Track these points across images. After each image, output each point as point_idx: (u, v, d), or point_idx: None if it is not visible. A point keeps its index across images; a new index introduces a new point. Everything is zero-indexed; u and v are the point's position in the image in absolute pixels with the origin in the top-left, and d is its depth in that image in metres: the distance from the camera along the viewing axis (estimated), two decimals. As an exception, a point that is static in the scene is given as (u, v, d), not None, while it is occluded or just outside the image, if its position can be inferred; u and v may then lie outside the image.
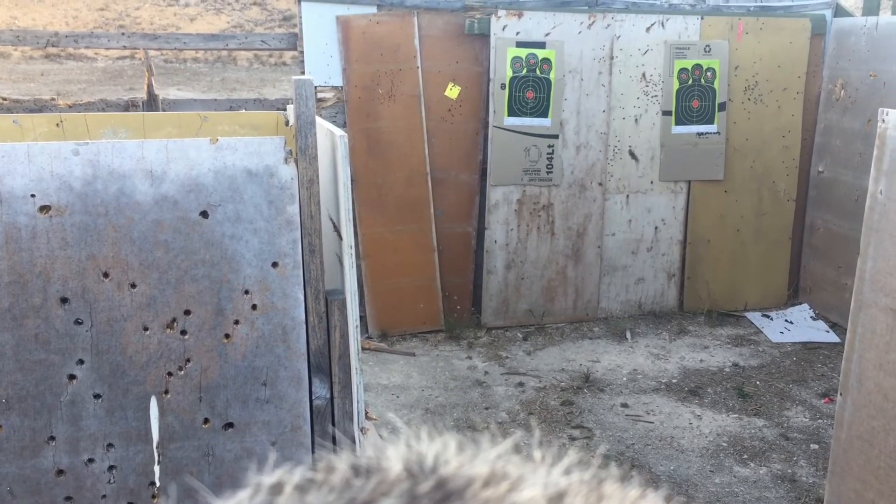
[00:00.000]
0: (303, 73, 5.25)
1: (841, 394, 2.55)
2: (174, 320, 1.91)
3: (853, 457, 2.47)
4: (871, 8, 6.02)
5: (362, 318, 5.68)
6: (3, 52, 15.48)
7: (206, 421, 1.95)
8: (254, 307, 1.93)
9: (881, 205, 2.36)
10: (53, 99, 4.63)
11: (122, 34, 4.89)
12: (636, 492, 0.29)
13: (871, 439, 2.39)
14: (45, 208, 1.82)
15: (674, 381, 5.14)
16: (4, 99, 4.55)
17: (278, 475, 0.29)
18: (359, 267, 5.57)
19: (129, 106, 4.75)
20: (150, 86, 4.83)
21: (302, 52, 5.30)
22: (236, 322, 1.92)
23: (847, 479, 2.49)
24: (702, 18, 5.76)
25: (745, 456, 4.31)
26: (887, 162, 2.35)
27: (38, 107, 4.58)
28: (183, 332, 1.91)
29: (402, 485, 0.26)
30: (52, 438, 1.89)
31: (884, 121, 2.38)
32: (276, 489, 0.28)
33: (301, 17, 5.28)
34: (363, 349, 5.49)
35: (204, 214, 1.89)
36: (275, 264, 1.93)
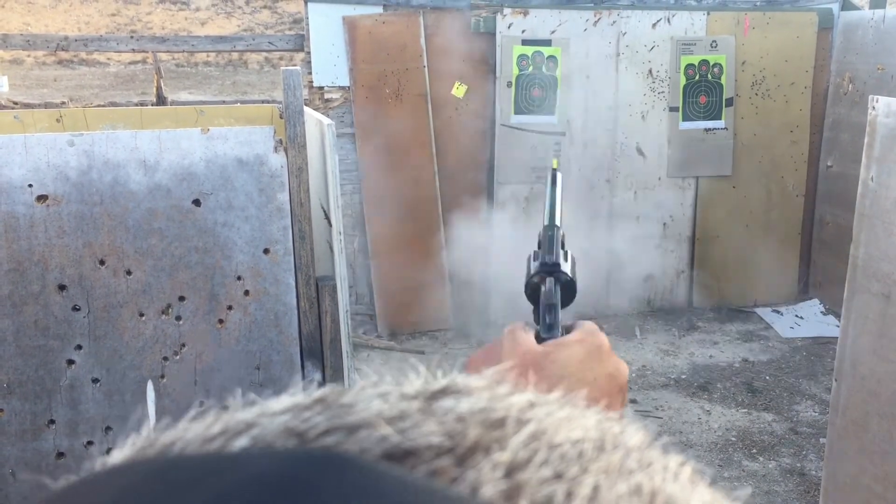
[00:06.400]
0: (310, 73, 5.31)
1: (836, 379, 2.56)
2: (169, 306, 1.96)
3: (849, 442, 2.47)
4: (878, 1, 5.99)
5: (372, 317, 5.71)
6: (17, 59, 15.67)
7: (201, 404, 2.00)
8: (246, 293, 1.98)
9: (872, 191, 2.37)
10: (64, 103, 4.72)
11: (132, 37, 4.96)
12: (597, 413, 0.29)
13: (866, 424, 2.39)
14: (42, 198, 1.87)
15: (683, 376, 5.13)
16: (16, 103, 4.64)
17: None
18: (368, 267, 5.61)
19: (141, 109, 4.83)
20: (159, 88, 4.90)
21: (309, 53, 5.35)
22: (229, 307, 1.97)
23: (843, 464, 2.49)
24: (708, 14, 5.76)
25: (755, 450, 4.30)
26: (878, 149, 2.35)
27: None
28: (178, 318, 1.96)
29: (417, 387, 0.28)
30: (53, 422, 1.94)
31: (874, 108, 2.38)
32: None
33: (307, 18, 5.33)
34: (372, 348, 5.53)
35: (196, 202, 1.94)
36: (266, 251, 1.97)
